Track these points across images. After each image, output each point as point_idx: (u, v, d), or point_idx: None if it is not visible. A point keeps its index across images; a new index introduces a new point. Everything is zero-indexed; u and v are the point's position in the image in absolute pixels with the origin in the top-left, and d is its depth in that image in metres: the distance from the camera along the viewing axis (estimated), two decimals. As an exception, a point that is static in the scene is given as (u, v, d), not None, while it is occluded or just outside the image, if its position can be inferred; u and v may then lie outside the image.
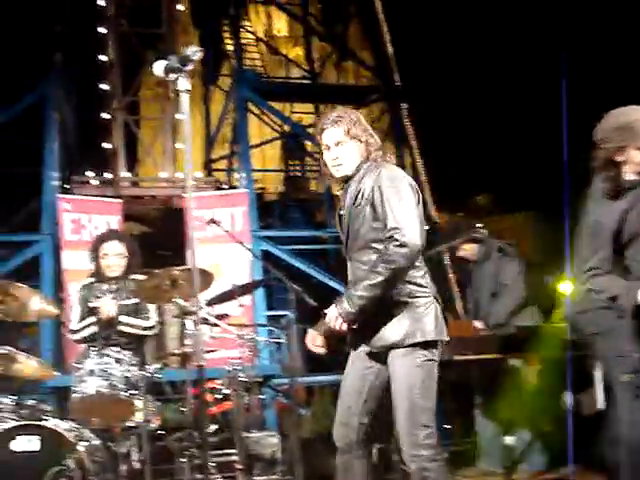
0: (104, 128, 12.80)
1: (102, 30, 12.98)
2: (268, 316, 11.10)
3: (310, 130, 16.27)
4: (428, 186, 14.83)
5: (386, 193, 3.20)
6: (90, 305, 5.36)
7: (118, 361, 5.02)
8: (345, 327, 3.25)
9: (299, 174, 19.68)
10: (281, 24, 44.25)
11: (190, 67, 2.57)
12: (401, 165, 16.27)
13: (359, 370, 3.41)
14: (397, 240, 3.11)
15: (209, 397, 5.56)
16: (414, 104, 15.26)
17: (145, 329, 5.49)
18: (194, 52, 2.63)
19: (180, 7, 13.67)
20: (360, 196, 3.30)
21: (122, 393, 4.95)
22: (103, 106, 12.81)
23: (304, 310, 5.62)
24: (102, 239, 5.58)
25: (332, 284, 11.54)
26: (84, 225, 9.67)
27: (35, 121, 11.43)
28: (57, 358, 9.81)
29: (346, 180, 3.45)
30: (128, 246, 5.51)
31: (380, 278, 3.11)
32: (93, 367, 4.95)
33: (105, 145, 12.62)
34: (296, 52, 39.41)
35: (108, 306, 5.23)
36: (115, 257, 5.42)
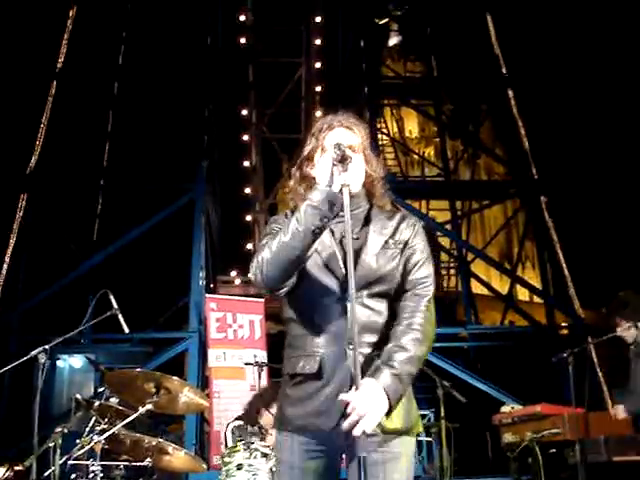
0: (247, 230, 13.37)
1: (245, 137, 13.73)
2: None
3: (448, 227, 16.29)
4: (571, 281, 14.32)
5: (426, 251, 2.70)
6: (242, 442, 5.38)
7: (265, 456, 5.04)
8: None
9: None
10: (412, 125, 45.42)
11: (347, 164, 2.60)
12: (542, 262, 15.98)
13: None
14: (425, 306, 2.62)
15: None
16: (552, 198, 14.96)
17: None
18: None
19: (318, 113, 14.28)
20: (399, 235, 2.71)
21: (269, 488, 4.94)
22: (246, 209, 13.41)
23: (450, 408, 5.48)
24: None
25: (473, 381, 11.23)
26: (229, 324, 9.92)
27: (183, 225, 12.06)
28: (200, 454, 9.94)
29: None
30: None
31: (425, 349, 2.54)
32: (242, 461, 5.00)
33: (248, 246, 13.16)
34: (428, 151, 40.17)
35: None
36: None
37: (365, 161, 2.78)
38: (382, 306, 2.63)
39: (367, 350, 2.54)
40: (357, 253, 2.61)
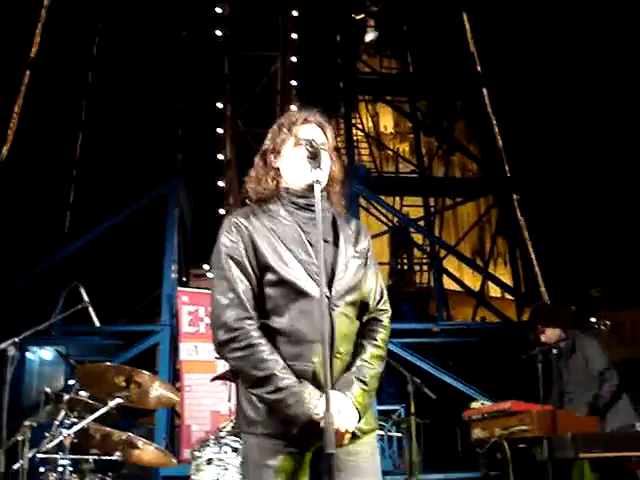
0: (220, 222, 13.31)
1: (220, 131, 13.66)
2: (378, 410, 10.90)
3: (421, 223, 16.36)
4: (541, 278, 14.50)
5: (375, 267, 2.78)
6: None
7: (235, 450, 5.04)
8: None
9: (406, 267, 19.63)
10: (387, 121, 45.53)
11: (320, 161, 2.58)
12: (513, 259, 16.12)
13: None
14: (388, 322, 2.75)
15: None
16: (525, 196, 15.09)
17: None
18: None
19: (293, 107, 14.24)
20: (361, 243, 2.73)
21: (239, 483, 4.94)
22: (219, 202, 13.35)
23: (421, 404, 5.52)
24: None
25: (444, 377, 11.31)
26: (201, 317, 9.84)
27: (156, 217, 11.98)
28: (170, 448, 9.90)
29: (299, 195, 2.66)
30: None
31: (384, 365, 2.67)
32: (212, 456, 4.99)
33: (221, 239, 13.13)
34: (403, 147, 40.27)
35: None
36: None
37: (331, 162, 2.76)
38: (354, 315, 2.65)
39: (347, 359, 2.58)
40: (334, 261, 2.63)
